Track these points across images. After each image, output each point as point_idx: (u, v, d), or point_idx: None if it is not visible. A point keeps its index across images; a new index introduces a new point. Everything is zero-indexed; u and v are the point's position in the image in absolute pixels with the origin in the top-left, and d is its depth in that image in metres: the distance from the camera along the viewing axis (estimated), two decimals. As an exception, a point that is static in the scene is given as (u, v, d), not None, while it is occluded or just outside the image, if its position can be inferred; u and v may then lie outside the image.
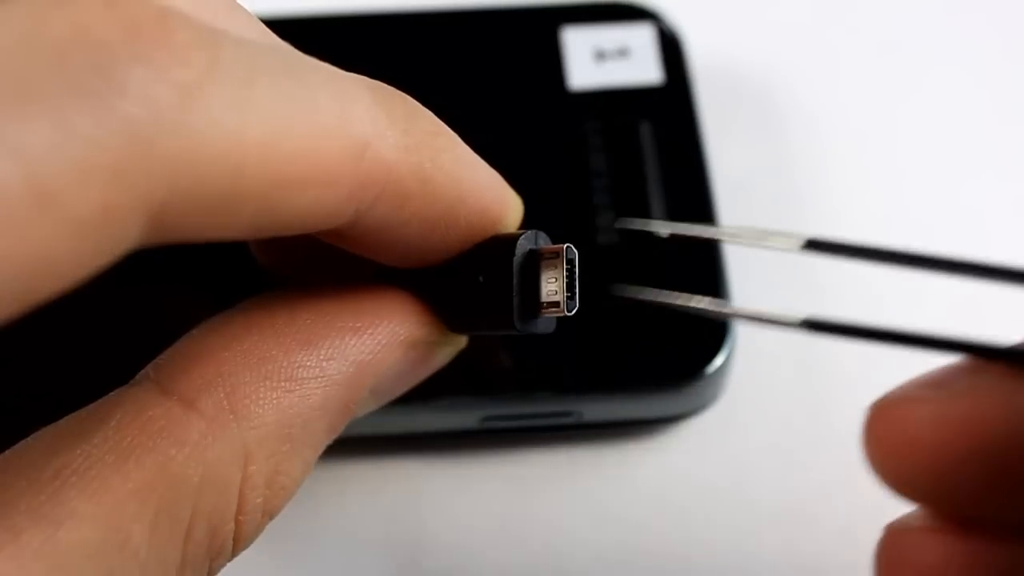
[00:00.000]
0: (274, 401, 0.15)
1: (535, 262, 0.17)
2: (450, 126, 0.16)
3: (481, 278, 0.17)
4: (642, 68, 0.28)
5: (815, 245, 0.15)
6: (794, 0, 0.32)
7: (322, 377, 0.15)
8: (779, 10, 0.32)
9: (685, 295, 0.17)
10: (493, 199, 0.17)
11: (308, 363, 0.15)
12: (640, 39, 0.28)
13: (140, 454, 0.13)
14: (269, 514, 0.15)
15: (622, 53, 0.28)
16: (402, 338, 0.17)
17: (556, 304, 0.17)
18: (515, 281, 0.17)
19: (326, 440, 0.16)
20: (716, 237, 0.16)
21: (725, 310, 0.16)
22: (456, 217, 0.16)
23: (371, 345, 0.16)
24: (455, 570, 0.23)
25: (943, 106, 0.30)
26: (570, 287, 0.17)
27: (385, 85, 0.15)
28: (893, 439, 0.14)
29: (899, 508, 0.24)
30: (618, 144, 0.26)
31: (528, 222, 0.26)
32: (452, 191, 0.16)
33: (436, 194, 0.15)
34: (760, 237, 0.16)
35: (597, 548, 0.23)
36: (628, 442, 0.25)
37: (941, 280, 0.25)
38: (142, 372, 0.15)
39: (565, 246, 0.17)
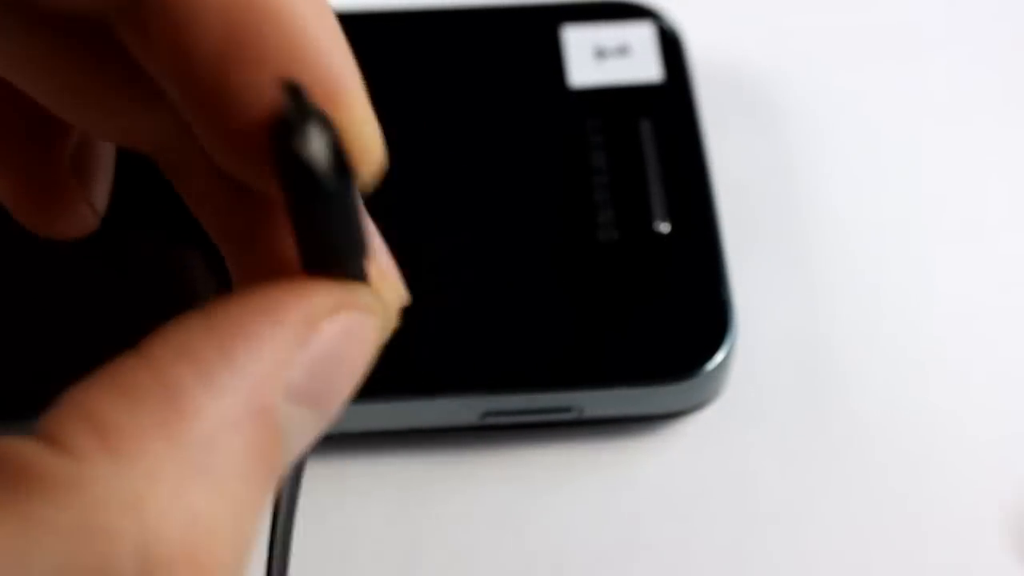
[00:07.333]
0: (158, 428, 0.12)
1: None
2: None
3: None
4: (642, 66, 0.28)
5: None
6: (795, -1, 0.32)
7: (212, 388, 0.13)
8: (779, 8, 0.32)
9: None
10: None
11: (189, 381, 0.13)
12: (640, 37, 0.28)
13: None
14: (197, 564, 0.12)
15: (622, 51, 0.28)
16: (289, 319, 0.14)
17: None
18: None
19: (256, 460, 0.13)
20: None
21: None
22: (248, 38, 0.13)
23: (258, 344, 0.13)
24: (455, 566, 0.23)
25: (942, 104, 0.30)
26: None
27: None
28: None
29: (898, 494, 0.24)
30: (618, 142, 0.26)
31: (528, 220, 0.26)
32: None
33: None
34: None
35: (597, 544, 0.23)
36: (629, 438, 0.25)
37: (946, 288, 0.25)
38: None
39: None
